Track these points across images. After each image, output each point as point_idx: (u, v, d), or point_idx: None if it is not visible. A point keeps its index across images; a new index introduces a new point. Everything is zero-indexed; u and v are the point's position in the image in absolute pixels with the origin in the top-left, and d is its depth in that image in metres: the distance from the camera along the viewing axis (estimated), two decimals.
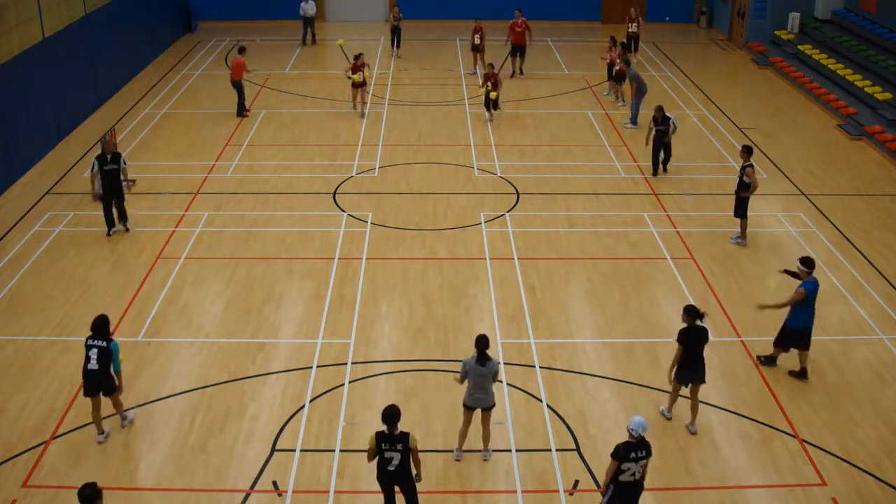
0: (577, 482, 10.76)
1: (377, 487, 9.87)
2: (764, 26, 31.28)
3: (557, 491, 10.64)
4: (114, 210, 16.67)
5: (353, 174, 19.92)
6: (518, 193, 18.84)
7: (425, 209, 18.14)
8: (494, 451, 11.26)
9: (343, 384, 12.58)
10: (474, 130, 22.65)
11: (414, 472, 9.71)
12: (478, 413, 10.95)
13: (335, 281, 15.31)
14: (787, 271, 13.21)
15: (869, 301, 14.83)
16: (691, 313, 11.29)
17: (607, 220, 17.65)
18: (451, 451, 11.17)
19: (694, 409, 11.57)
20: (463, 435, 11.06)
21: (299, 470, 10.95)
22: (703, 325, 11.36)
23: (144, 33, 28.51)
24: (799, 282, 12.59)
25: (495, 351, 13.31)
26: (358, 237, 16.89)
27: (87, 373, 11.01)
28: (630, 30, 28.28)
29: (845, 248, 16.67)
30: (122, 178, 16.47)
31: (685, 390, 11.67)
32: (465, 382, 10.84)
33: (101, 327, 11.06)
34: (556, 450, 11.31)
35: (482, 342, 10.62)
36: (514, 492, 10.64)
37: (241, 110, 23.59)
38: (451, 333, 13.75)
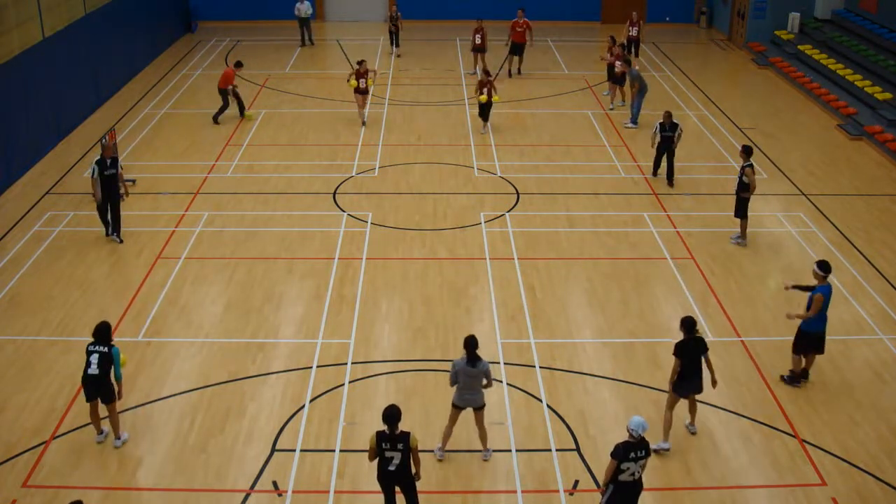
0: (577, 482, 10.77)
1: (377, 487, 9.87)
2: (764, 26, 31.28)
3: (557, 491, 10.64)
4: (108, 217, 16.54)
5: (353, 174, 19.92)
6: (518, 193, 18.84)
7: (425, 209, 18.14)
8: (494, 451, 11.26)
9: (343, 384, 12.58)
10: (474, 130, 22.65)
11: (413, 471, 9.71)
12: (469, 414, 10.95)
13: (335, 281, 15.31)
14: (796, 286, 12.98)
15: (869, 301, 14.83)
16: (688, 326, 11.09)
17: (607, 220, 17.65)
18: (452, 451, 11.16)
19: (693, 411, 11.54)
20: (447, 434, 11.07)
21: (299, 470, 10.96)
22: (700, 335, 11.20)
23: (144, 33, 28.51)
24: (805, 292, 12.58)
25: (495, 351, 13.33)
26: (358, 237, 16.89)
27: (86, 377, 10.95)
28: (631, 33, 27.96)
29: (845, 248, 16.67)
30: (118, 182, 16.43)
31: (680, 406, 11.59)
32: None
33: (102, 333, 11.04)
34: (556, 450, 11.31)
35: (472, 343, 10.62)
36: (514, 492, 10.64)
37: (217, 116, 23.20)
38: (451, 333, 13.75)
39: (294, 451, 11.27)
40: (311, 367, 12.95)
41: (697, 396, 11.62)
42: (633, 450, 9.28)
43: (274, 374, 12.82)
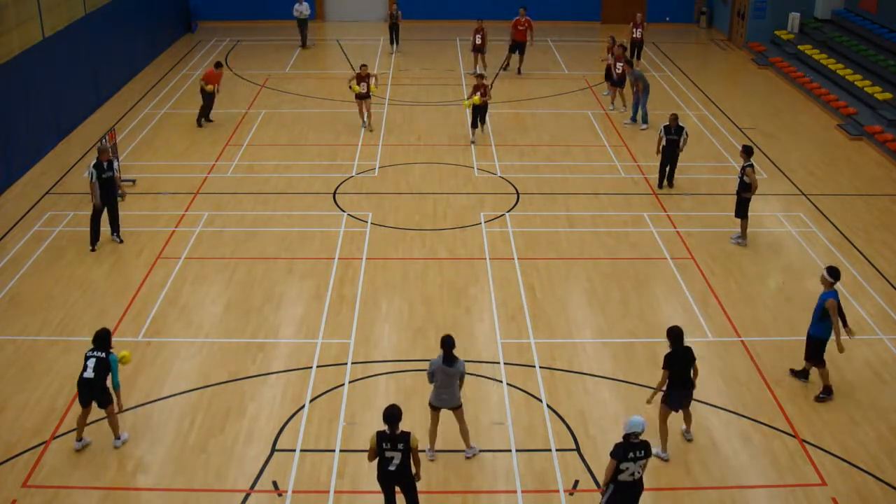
0: (577, 482, 10.77)
1: (377, 487, 9.87)
2: (764, 26, 31.28)
3: (557, 491, 10.64)
4: (104, 220, 16.44)
5: (353, 174, 19.92)
6: (518, 193, 18.84)
7: (425, 209, 18.14)
8: (494, 451, 11.26)
9: (343, 384, 12.58)
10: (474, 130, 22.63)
11: (413, 471, 9.71)
12: (449, 415, 10.95)
13: (335, 281, 15.31)
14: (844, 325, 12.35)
15: (869, 301, 14.83)
16: (674, 337, 10.96)
17: (607, 220, 17.65)
18: (452, 451, 11.16)
19: (688, 420, 11.38)
20: (433, 434, 11.09)
21: (299, 470, 10.96)
22: (688, 345, 11.07)
23: (144, 33, 28.51)
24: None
25: (495, 351, 13.34)
26: (358, 237, 16.89)
27: (81, 381, 10.91)
28: (634, 35, 27.74)
29: (845, 248, 16.67)
30: (116, 184, 16.39)
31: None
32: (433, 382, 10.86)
33: (101, 339, 11.02)
34: (556, 450, 11.30)
35: (448, 342, 10.64)
36: (514, 492, 10.64)
37: (201, 118, 22.84)
38: (451, 333, 13.68)
39: (294, 451, 11.27)
40: (311, 367, 12.95)
41: (694, 402, 11.61)
42: (632, 450, 9.28)
43: (274, 374, 12.82)
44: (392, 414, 9.43)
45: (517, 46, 27.52)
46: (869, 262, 16.18)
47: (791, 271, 15.84)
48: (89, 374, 10.86)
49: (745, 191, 16.32)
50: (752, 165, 16.29)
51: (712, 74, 28.55)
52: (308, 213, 17.98)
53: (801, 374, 12.70)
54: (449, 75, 28.05)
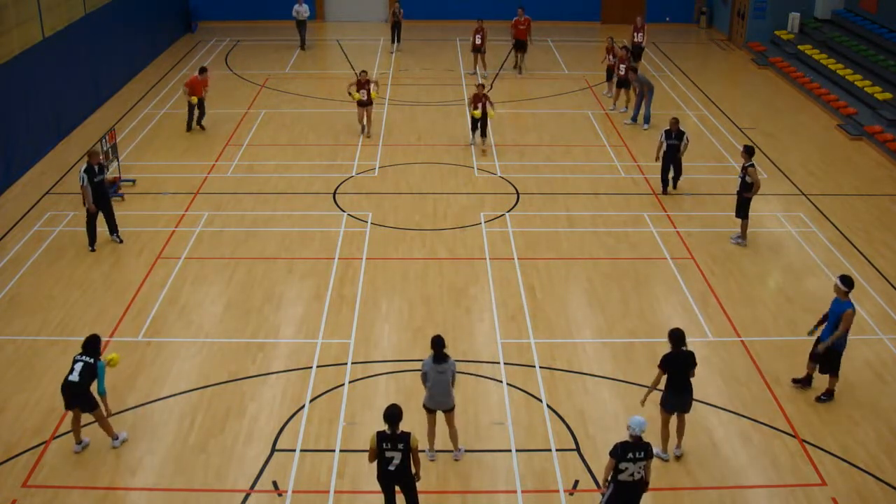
0: (577, 482, 10.77)
1: (377, 487, 9.87)
2: (764, 26, 31.28)
3: (557, 491, 10.64)
4: (101, 223, 16.40)
5: (353, 174, 19.92)
6: (518, 193, 18.84)
7: (425, 209, 18.14)
8: (494, 451, 11.26)
9: (343, 384, 12.58)
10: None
11: (413, 471, 9.71)
12: (441, 416, 10.96)
13: (335, 281, 15.31)
14: (817, 327, 12.35)
15: (869, 301, 14.82)
16: (675, 339, 10.87)
17: (607, 220, 17.65)
18: (451, 451, 11.17)
19: (680, 433, 11.20)
20: (432, 435, 11.10)
21: (299, 470, 10.96)
22: (689, 349, 10.99)
23: (144, 33, 28.51)
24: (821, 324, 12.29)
25: (495, 351, 13.34)
26: (358, 237, 16.89)
27: (65, 384, 10.85)
28: (635, 39, 27.33)
29: (845, 248, 16.67)
30: (107, 186, 16.34)
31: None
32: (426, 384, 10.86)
33: (91, 345, 11.01)
34: (556, 450, 11.31)
35: (438, 342, 10.65)
36: (514, 492, 10.64)
37: (191, 123, 22.35)
38: (451, 333, 13.73)
39: (294, 451, 11.27)
40: (311, 367, 12.95)
41: (694, 402, 11.60)
42: (631, 450, 9.28)
43: (274, 374, 12.82)
44: (393, 414, 9.43)
45: (519, 45, 27.79)
46: (869, 262, 16.18)
47: (791, 271, 15.85)
48: (74, 377, 10.81)
49: (747, 190, 16.31)
50: (753, 165, 16.28)
51: (712, 74, 28.55)
52: (308, 213, 17.98)
53: (805, 381, 12.54)
54: (449, 75, 28.05)
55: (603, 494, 9.59)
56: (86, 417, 11.20)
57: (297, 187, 19.20)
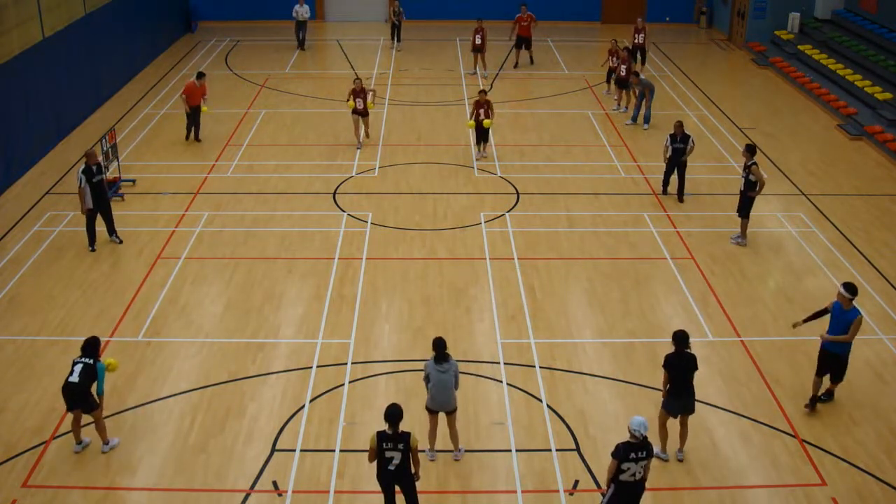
0: (577, 482, 10.77)
1: (377, 487, 9.87)
2: (764, 26, 31.28)
3: (557, 491, 10.64)
4: (99, 223, 16.39)
5: (353, 174, 19.92)
6: (518, 193, 18.84)
7: (425, 209, 18.14)
8: (494, 451, 11.27)
9: (343, 384, 12.58)
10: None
11: (413, 471, 9.71)
12: (443, 417, 10.96)
13: (335, 281, 15.31)
14: (806, 320, 12.20)
15: (869, 301, 14.82)
16: (678, 339, 10.83)
17: (607, 220, 17.65)
18: (451, 451, 11.17)
19: (683, 437, 11.16)
20: (433, 436, 11.11)
21: (299, 470, 10.96)
22: (692, 351, 10.96)
23: (144, 33, 28.51)
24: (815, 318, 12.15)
25: (495, 351, 13.34)
26: (358, 237, 16.89)
27: (66, 385, 10.85)
28: (637, 41, 27.30)
29: (845, 248, 16.67)
30: (106, 187, 16.31)
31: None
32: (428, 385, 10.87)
33: (91, 347, 11.01)
34: (556, 450, 11.31)
35: (440, 344, 10.66)
36: (514, 492, 10.64)
37: (191, 134, 21.67)
38: (451, 333, 13.73)
39: (294, 451, 11.27)
40: (311, 367, 12.95)
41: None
42: (633, 450, 9.28)
43: (274, 374, 12.82)
44: (393, 413, 9.44)
45: (523, 42, 28.20)
46: (869, 262, 16.18)
47: (791, 271, 15.85)
48: (74, 378, 10.81)
49: (751, 189, 16.28)
50: (756, 164, 16.24)
51: (712, 74, 28.55)
52: (308, 213, 17.97)
53: (828, 396, 12.22)
54: (449, 75, 28.05)
55: (603, 495, 9.58)
56: (86, 418, 11.20)
57: (297, 187, 19.19)
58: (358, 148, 21.23)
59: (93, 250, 16.23)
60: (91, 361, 10.92)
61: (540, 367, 12.96)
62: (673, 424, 11.22)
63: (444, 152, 21.28)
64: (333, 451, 11.28)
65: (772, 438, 11.57)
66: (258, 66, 28.81)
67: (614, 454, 9.28)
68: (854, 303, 11.74)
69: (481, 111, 20.21)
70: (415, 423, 11.51)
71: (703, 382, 12.58)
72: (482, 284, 15.22)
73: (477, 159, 20.57)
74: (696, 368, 10.91)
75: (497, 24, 30.57)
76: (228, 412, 12.00)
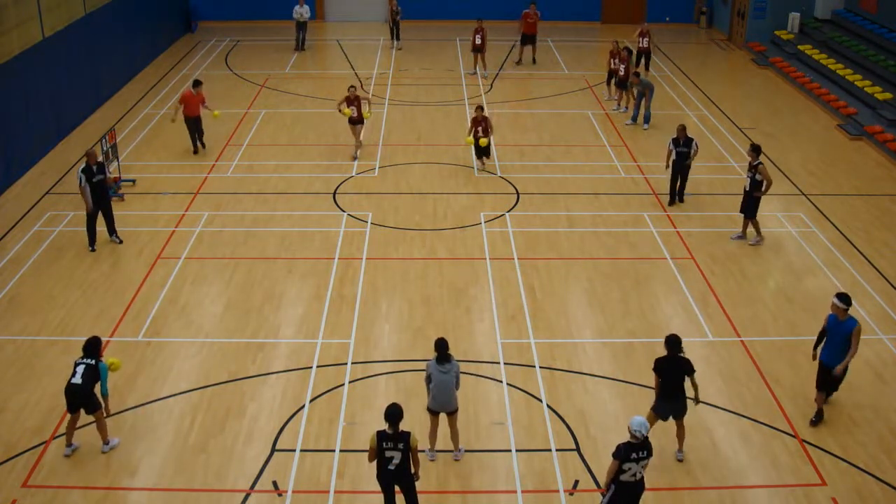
0: (577, 482, 10.77)
1: (377, 487, 9.87)
2: (764, 26, 31.28)
3: (557, 491, 10.64)
4: (100, 223, 16.39)
5: (353, 174, 19.92)
6: (518, 193, 18.84)
7: (425, 209, 18.13)
8: (494, 451, 11.27)
9: (343, 384, 12.58)
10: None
11: (413, 471, 9.71)
12: (444, 418, 10.96)
13: (335, 281, 15.31)
14: (816, 347, 11.85)
15: (869, 301, 14.82)
16: (671, 344, 10.75)
17: (607, 220, 17.65)
18: (451, 451, 11.17)
19: (681, 438, 11.13)
20: (433, 436, 11.11)
21: (299, 470, 10.96)
22: (685, 356, 10.89)
23: (144, 33, 28.51)
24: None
25: (495, 351, 13.34)
26: (358, 237, 16.89)
27: (69, 387, 10.85)
28: (641, 45, 26.99)
29: (845, 248, 16.67)
30: (107, 186, 16.30)
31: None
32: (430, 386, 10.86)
33: (92, 348, 11.00)
34: (556, 450, 11.30)
35: (441, 344, 10.66)
36: (514, 492, 10.64)
37: (198, 145, 20.96)
38: (451, 333, 13.72)
39: (294, 451, 11.27)
40: (311, 367, 12.95)
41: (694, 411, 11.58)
42: (634, 450, 9.28)
43: (274, 374, 12.82)
44: (393, 413, 9.44)
45: (528, 39, 28.58)
46: (869, 262, 16.18)
47: (791, 271, 15.84)
48: (77, 379, 10.81)
49: (757, 189, 16.24)
50: (762, 163, 16.21)
51: (712, 74, 28.55)
52: (308, 213, 17.97)
53: (819, 416, 11.92)
54: (449, 75, 28.05)
55: (603, 495, 9.58)
56: (84, 419, 11.20)
57: (297, 187, 19.19)
58: (354, 157, 20.57)
59: (93, 250, 16.24)
60: (93, 362, 10.92)
61: (540, 367, 12.96)
62: (670, 427, 11.20)
63: (444, 152, 21.28)
64: (333, 451, 11.28)
65: (772, 438, 11.57)
66: (258, 66, 28.81)
67: (615, 455, 9.27)
68: (849, 311, 11.62)
69: (479, 128, 19.46)
70: (415, 423, 11.50)
71: (703, 382, 12.57)
72: (482, 284, 15.22)
73: (480, 169, 19.97)
74: (689, 372, 10.80)
75: (497, 24, 30.58)
76: (228, 412, 12.00)
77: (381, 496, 9.88)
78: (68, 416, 11.17)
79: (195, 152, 20.87)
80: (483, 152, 19.79)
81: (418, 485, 9.90)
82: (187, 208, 18.05)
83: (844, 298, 11.43)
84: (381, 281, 15.34)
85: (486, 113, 20.34)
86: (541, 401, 12.24)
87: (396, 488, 9.78)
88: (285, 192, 18.93)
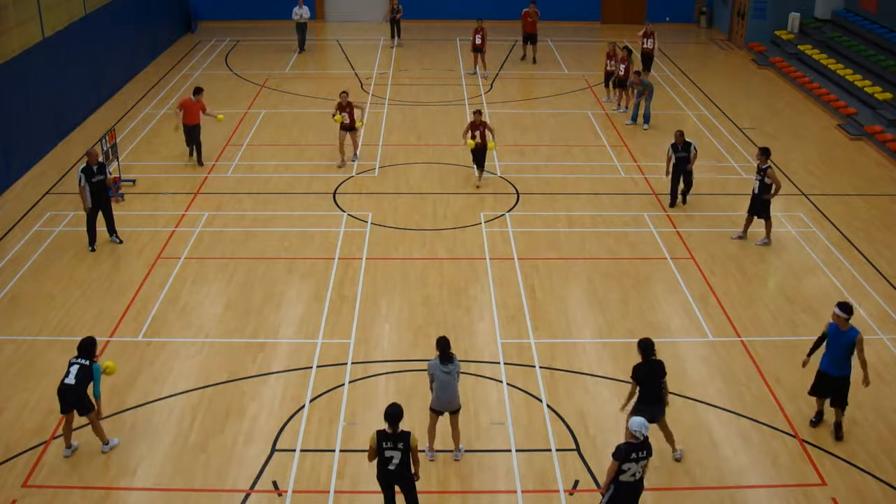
0: (577, 482, 10.77)
1: (377, 487, 9.87)
2: (764, 26, 31.28)
3: (557, 491, 10.64)
4: (100, 223, 16.39)
5: (353, 174, 19.92)
6: (518, 193, 18.83)
7: (425, 209, 18.13)
8: (494, 451, 11.27)
9: (343, 384, 12.58)
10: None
11: (413, 471, 9.71)
12: (445, 416, 10.96)
13: (335, 281, 15.31)
14: (810, 353, 11.64)
15: (869, 301, 14.82)
16: (645, 348, 10.73)
17: (607, 220, 17.65)
18: (451, 451, 11.17)
19: (670, 438, 11.08)
20: (431, 435, 11.11)
21: (299, 470, 10.96)
22: (658, 359, 10.88)
23: (144, 33, 28.52)
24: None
25: (495, 351, 13.34)
26: (358, 237, 16.89)
27: (62, 388, 10.81)
28: (645, 46, 26.54)
29: (845, 248, 16.67)
30: (107, 187, 16.31)
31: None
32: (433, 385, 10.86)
33: (86, 348, 10.98)
34: (556, 450, 11.30)
35: (443, 343, 10.65)
36: (514, 492, 10.64)
37: (198, 154, 20.19)
38: (451, 333, 13.70)
39: (294, 451, 11.27)
40: (311, 367, 12.95)
41: (694, 402, 11.60)
42: (634, 450, 9.28)
43: (274, 374, 12.83)
44: (394, 413, 9.44)
45: (529, 38, 28.79)
46: (869, 262, 16.18)
47: (791, 271, 15.85)
48: (70, 379, 10.78)
49: (766, 192, 16.25)
50: (770, 167, 16.22)
51: (712, 74, 28.55)
52: (308, 213, 17.97)
53: (819, 418, 11.84)
54: (449, 75, 28.05)
55: (603, 495, 9.58)
56: (79, 421, 11.20)
57: (297, 187, 19.19)
58: (339, 166, 20.06)
59: (93, 250, 16.24)
60: (87, 363, 10.89)
61: (540, 367, 12.96)
62: (656, 430, 11.14)
63: (444, 152, 21.28)
64: (333, 451, 11.28)
65: (772, 438, 11.57)
66: (258, 66, 28.81)
67: (615, 455, 9.27)
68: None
69: (477, 132, 18.74)
70: (415, 423, 11.50)
71: (704, 382, 12.60)
72: (482, 284, 15.22)
73: (477, 186, 19.07)
74: (664, 375, 10.80)
75: (497, 24, 30.58)
76: (228, 412, 12.00)
77: (381, 496, 9.88)
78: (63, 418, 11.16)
79: (190, 155, 20.33)
80: (480, 160, 19.01)
81: (418, 485, 9.90)
82: (187, 208, 18.05)
83: (846, 308, 11.21)
84: (381, 281, 15.34)
85: (485, 118, 19.65)
86: (541, 401, 12.24)
87: (396, 488, 9.78)
88: (285, 192, 18.93)
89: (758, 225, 16.83)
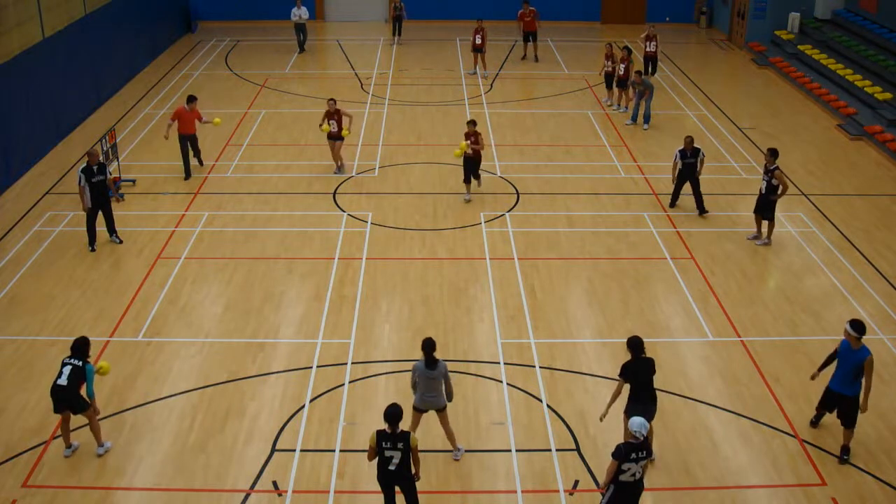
0: (577, 482, 10.77)
1: (377, 487, 9.87)
2: (764, 26, 31.27)
3: (557, 491, 10.64)
4: (100, 223, 16.38)
5: (353, 174, 19.92)
6: (518, 193, 18.83)
7: (425, 209, 18.13)
8: (494, 451, 11.27)
9: (343, 384, 12.58)
10: None
11: (413, 471, 9.71)
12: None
13: (335, 281, 15.31)
14: (821, 368, 11.50)
15: (869, 301, 14.82)
16: (634, 345, 10.68)
17: (607, 220, 17.65)
18: (451, 451, 11.16)
19: (651, 438, 10.78)
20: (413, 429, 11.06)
21: (299, 470, 10.96)
22: (649, 356, 10.84)
23: (144, 33, 28.51)
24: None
25: (495, 351, 13.34)
26: (358, 237, 16.89)
27: (54, 388, 10.79)
28: (648, 49, 26.27)
29: (845, 248, 16.67)
30: (107, 187, 16.32)
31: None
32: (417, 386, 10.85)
33: (80, 348, 10.97)
34: (556, 450, 11.31)
35: (428, 345, 10.61)
36: (514, 492, 10.64)
37: (188, 169, 19.48)
38: (451, 333, 13.74)
39: (294, 451, 11.27)
40: (311, 367, 12.95)
41: (694, 402, 11.60)
42: (634, 450, 9.28)
43: (274, 374, 12.83)
44: (394, 413, 9.44)
45: (529, 36, 28.88)
46: (869, 262, 16.18)
47: (791, 271, 15.85)
48: (62, 380, 10.76)
49: (773, 193, 16.25)
50: (778, 168, 16.23)
51: (712, 74, 28.55)
52: (308, 213, 17.97)
53: (844, 453, 11.42)
54: (449, 75, 28.05)
55: (603, 495, 9.58)
56: (78, 421, 11.18)
57: (297, 187, 19.19)
58: (335, 173, 19.71)
59: (93, 250, 16.24)
60: (80, 363, 10.87)
61: (540, 367, 12.96)
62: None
63: (444, 152, 21.27)
64: (333, 451, 11.28)
65: (772, 438, 11.57)
66: (258, 66, 28.81)
67: (615, 455, 9.27)
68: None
69: (468, 141, 17.96)
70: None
71: (704, 382, 12.59)
72: (482, 284, 15.22)
73: (467, 200, 18.37)
74: (653, 373, 10.75)
75: (497, 24, 30.57)
76: (228, 412, 12.00)
77: (381, 496, 9.88)
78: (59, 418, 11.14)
79: (186, 178, 19.29)
80: (472, 171, 18.27)
81: (418, 485, 9.90)
82: (187, 208, 18.05)
83: (858, 327, 10.95)
84: (382, 281, 15.34)
85: (478, 129, 18.69)
86: (541, 401, 12.24)
87: (396, 488, 9.78)
88: (285, 192, 18.93)
89: (753, 224, 16.85)
